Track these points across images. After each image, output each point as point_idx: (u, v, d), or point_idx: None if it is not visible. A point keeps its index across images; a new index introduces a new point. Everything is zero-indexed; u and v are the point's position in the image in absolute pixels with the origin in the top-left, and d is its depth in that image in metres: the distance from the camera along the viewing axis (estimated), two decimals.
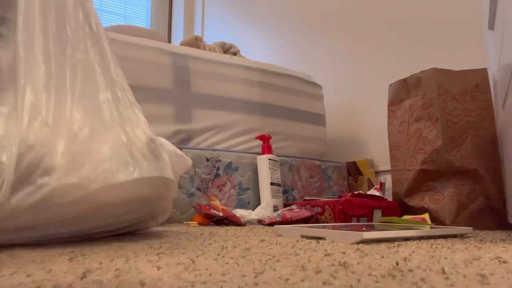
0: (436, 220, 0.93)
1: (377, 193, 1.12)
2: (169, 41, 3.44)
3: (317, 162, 1.43)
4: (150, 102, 1.16)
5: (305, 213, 1.03)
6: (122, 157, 0.51)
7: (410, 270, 0.32)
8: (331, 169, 1.47)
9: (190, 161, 0.71)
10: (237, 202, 1.21)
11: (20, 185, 0.46)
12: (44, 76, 0.52)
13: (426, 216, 0.88)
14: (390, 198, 1.14)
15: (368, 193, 1.11)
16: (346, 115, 1.72)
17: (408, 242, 0.55)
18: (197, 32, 3.21)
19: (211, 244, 0.54)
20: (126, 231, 0.62)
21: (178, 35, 3.36)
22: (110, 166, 0.50)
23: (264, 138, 1.27)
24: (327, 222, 1.02)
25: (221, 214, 0.97)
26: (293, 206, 1.10)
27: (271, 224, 0.99)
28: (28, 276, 0.31)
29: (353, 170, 1.57)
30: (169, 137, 1.16)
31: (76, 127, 0.50)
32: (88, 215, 0.51)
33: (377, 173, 1.53)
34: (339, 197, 1.05)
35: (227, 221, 0.98)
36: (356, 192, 1.07)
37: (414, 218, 0.87)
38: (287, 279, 0.29)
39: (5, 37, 0.53)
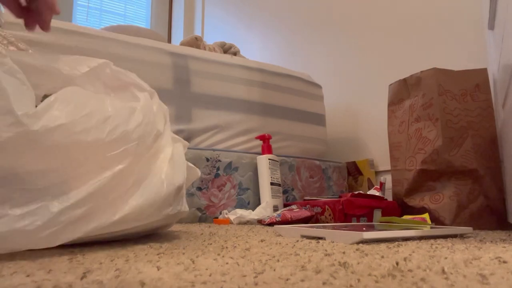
0: (436, 220, 0.93)
1: (377, 193, 1.12)
2: (169, 41, 3.44)
3: (317, 162, 1.43)
4: None
5: (305, 213, 1.03)
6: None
7: (410, 270, 0.32)
8: (331, 169, 1.47)
9: (199, 172, 0.73)
10: (237, 202, 1.21)
11: None
12: None
13: (426, 216, 0.88)
14: (390, 198, 1.14)
15: (368, 193, 1.11)
16: (346, 115, 1.72)
17: (408, 242, 0.55)
18: (197, 32, 3.21)
19: (211, 244, 0.53)
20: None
21: (178, 35, 3.36)
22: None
23: (264, 138, 1.27)
24: (327, 222, 1.02)
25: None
26: (293, 206, 1.10)
27: (271, 224, 0.99)
28: (28, 276, 0.31)
29: (353, 170, 1.57)
30: None
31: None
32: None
33: (377, 173, 1.53)
34: (339, 197, 1.05)
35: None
36: (356, 192, 1.07)
37: (414, 218, 0.87)
38: (287, 279, 0.29)
39: None
